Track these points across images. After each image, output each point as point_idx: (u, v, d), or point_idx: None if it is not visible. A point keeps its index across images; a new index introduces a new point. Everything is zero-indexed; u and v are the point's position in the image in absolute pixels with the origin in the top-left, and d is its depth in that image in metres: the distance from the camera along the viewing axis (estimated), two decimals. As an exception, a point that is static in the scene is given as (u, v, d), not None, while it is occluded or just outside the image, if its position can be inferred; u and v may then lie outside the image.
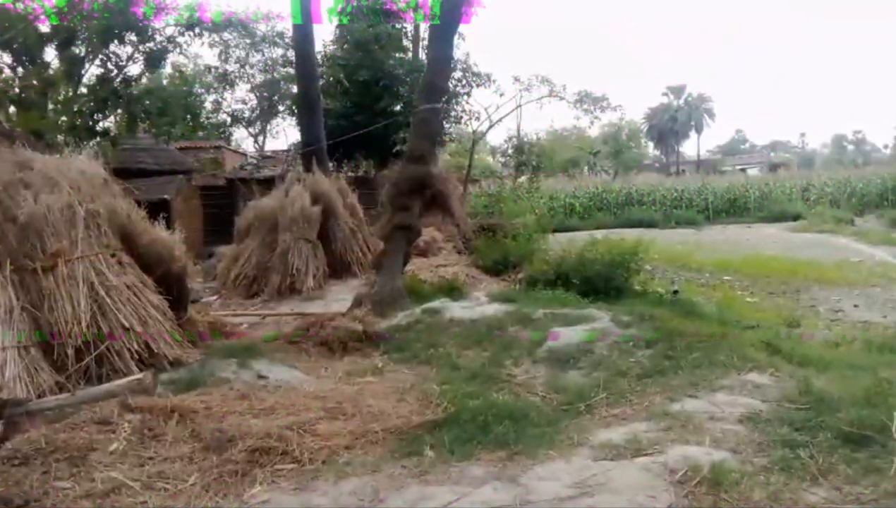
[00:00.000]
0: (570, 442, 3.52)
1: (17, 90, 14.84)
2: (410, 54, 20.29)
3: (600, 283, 7.96)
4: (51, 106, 15.27)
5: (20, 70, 15.47)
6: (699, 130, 60.13)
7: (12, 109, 14.78)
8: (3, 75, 15.32)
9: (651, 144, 63.46)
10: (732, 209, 28.34)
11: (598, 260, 8.30)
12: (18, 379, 4.14)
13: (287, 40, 17.78)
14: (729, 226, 24.89)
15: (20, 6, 14.68)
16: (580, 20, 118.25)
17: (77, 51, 15.00)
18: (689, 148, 61.43)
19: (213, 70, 20.21)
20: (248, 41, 18.76)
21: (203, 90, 20.86)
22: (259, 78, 20.77)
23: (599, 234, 10.23)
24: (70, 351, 4.54)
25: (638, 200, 28.31)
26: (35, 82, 14.48)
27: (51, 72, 15.02)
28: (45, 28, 14.78)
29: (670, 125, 57.82)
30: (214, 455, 3.30)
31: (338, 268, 11.11)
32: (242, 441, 3.37)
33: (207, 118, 18.94)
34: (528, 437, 3.55)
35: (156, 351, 4.82)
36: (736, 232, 22.36)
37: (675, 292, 8.54)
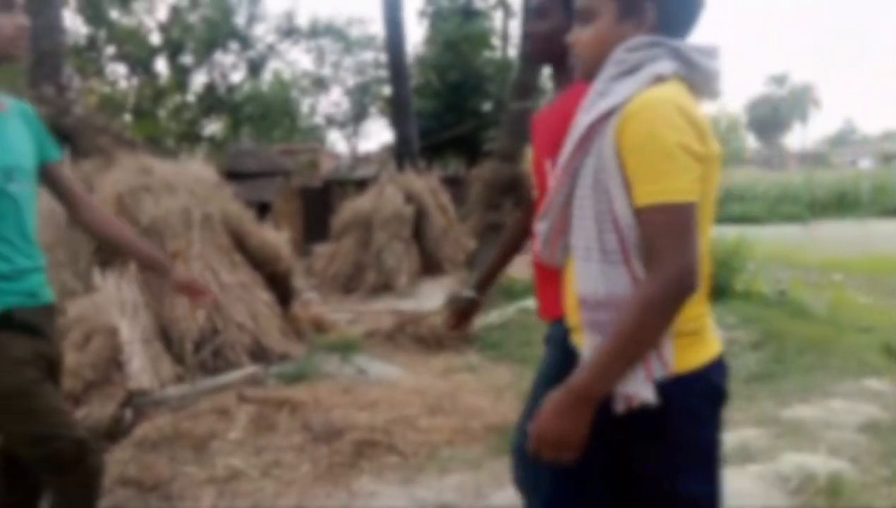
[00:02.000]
0: (674, 446, 3.44)
1: (132, 99, 15.97)
2: (499, 52, 20.31)
3: (700, 283, 7.69)
4: (162, 113, 16.32)
5: (134, 80, 16.64)
6: (804, 121, 57.00)
7: (128, 118, 15.92)
8: (119, 85, 16.51)
9: (751, 137, 60.58)
10: (842, 204, 26.53)
11: (698, 259, 8.02)
12: (144, 370, 4.46)
13: (379, 43, 18.19)
14: (838, 222, 23.41)
15: (134, 21, 15.79)
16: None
17: (184, 61, 15.96)
18: (793, 140, 58.32)
19: (309, 74, 20.96)
20: (341, 45, 19.32)
21: (300, 94, 21.66)
22: (352, 81, 21.37)
23: (697, 232, 9.88)
24: (188, 345, 4.85)
25: (738, 196, 26.96)
26: (148, 92, 15.53)
27: (162, 82, 16.07)
28: (155, 40, 15.83)
29: (772, 116, 54.99)
30: (324, 446, 3.45)
31: (429, 266, 11.28)
32: (349, 434, 3.51)
33: (304, 121, 19.65)
34: (630, 439, 3.49)
35: (265, 345, 5.07)
36: (846, 228, 21.01)
37: (782, 292, 8.12)
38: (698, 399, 1.34)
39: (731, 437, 3.53)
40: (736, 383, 4.42)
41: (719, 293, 7.62)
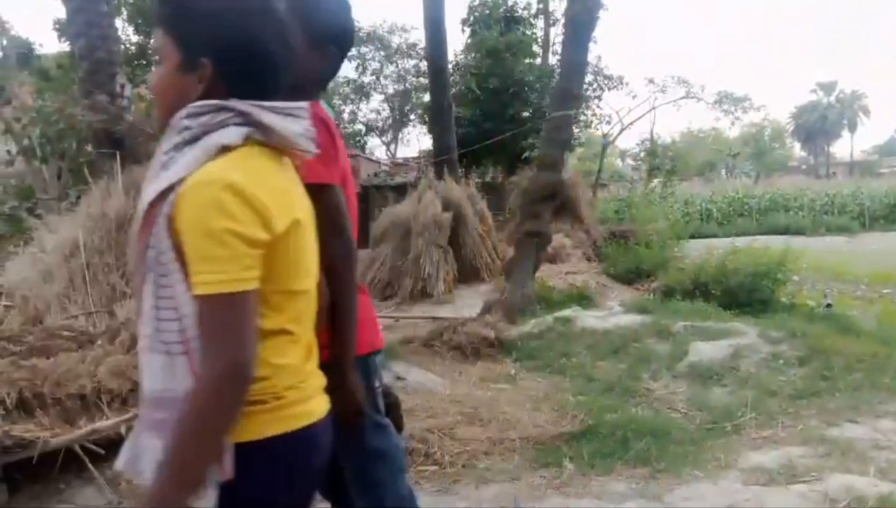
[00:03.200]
0: (716, 464, 3.38)
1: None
2: (539, 60, 20.26)
3: (743, 295, 7.54)
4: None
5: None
6: (852, 129, 55.42)
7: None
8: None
9: (797, 145, 59.17)
10: (892, 215, 25.69)
11: (741, 270, 7.87)
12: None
13: (420, 51, 18.30)
14: (889, 233, 22.66)
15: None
16: (720, 16, 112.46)
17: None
18: (841, 148, 56.79)
19: (350, 82, 21.20)
20: (382, 53, 19.50)
21: (341, 101, 21.92)
22: (392, 88, 21.53)
23: (740, 242, 9.70)
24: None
25: (783, 205, 26.28)
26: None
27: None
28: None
29: (819, 124, 53.62)
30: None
31: (467, 274, 11.28)
32: (387, 442, 3.52)
33: (345, 128, 19.88)
34: (670, 455, 3.44)
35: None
36: (896, 240, 20.35)
37: (829, 306, 7.90)
38: (264, 471, 1.22)
39: (775, 455, 3.46)
40: (781, 400, 4.33)
41: (762, 306, 7.47)
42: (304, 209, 1.28)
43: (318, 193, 1.49)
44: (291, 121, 1.24)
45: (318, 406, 1.32)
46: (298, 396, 1.26)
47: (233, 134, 1.17)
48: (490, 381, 5.25)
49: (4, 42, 20.33)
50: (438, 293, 10.19)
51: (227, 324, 1.10)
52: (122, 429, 3.29)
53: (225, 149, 1.16)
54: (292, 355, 1.26)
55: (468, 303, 9.26)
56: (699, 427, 3.97)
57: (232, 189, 1.10)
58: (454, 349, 6.23)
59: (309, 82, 1.68)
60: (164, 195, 1.15)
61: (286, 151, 1.26)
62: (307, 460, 1.28)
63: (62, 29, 12.73)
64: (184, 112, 1.19)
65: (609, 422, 3.86)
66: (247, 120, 1.19)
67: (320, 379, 1.36)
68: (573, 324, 6.52)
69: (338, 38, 1.75)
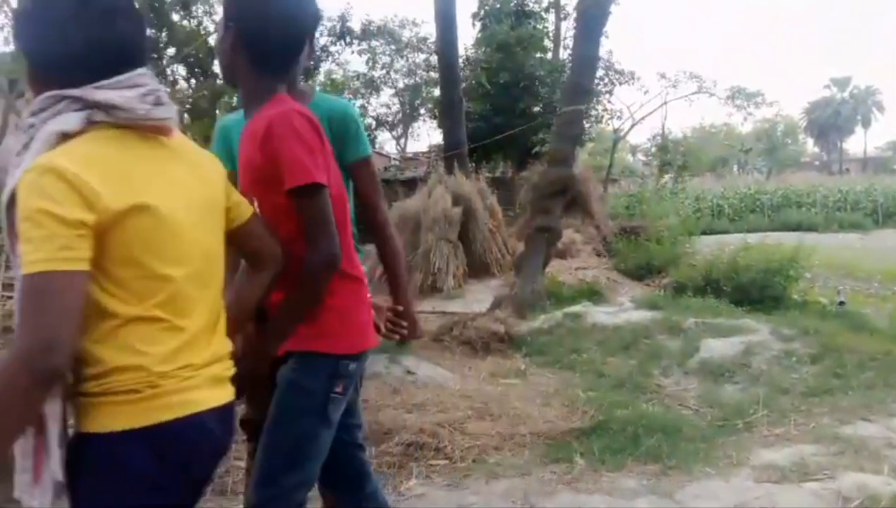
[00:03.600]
0: (728, 461, 3.36)
1: (190, 99, 16.42)
2: (550, 54, 20.16)
3: (755, 292, 7.50)
4: (218, 113, 16.71)
5: (192, 81, 17.10)
6: (866, 125, 54.93)
7: (186, 117, 16.38)
8: (178, 86, 17.00)
9: (810, 141, 58.67)
10: (906, 211, 25.47)
11: (753, 267, 7.82)
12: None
13: (430, 45, 18.26)
14: (902, 230, 22.45)
15: (194, 23, 16.23)
16: (733, 10, 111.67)
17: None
18: (855, 144, 56.27)
19: (360, 76, 21.20)
20: (393, 47, 19.46)
21: (351, 96, 21.93)
22: (402, 83, 21.49)
23: (752, 238, 9.63)
24: (242, 341, 4.96)
25: (795, 202, 26.05)
26: (206, 92, 15.94)
27: (218, 82, 16.46)
28: (213, 42, 16.22)
29: (833, 120, 53.13)
30: (373, 447, 3.48)
31: (477, 268, 11.27)
32: (398, 435, 3.54)
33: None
34: (681, 452, 3.43)
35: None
36: (911, 237, 20.14)
37: (841, 303, 7.85)
38: (136, 462, 1.20)
39: (787, 453, 3.44)
40: (793, 398, 4.30)
41: (774, 302, 7.43)
42: (166, 195, 1.25)
43: (299, 197, 1.51)
44: (131, 91, 1.23)
45: (204, 396, 1.28)
46: (177, 386, 1.23)
47: (71, 120, 1.18)
48: (500, 376, 5.25)
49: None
50: (448, 288, 10.18)
51: (38, 304, 1.08)
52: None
53: (66, 137, 1.18)
54: (166, 343, 1.23)
55: (478, 298, 9.25)
56: (710, 425, 3.95)
57: (53, 172, 1.11)
58: (464, 344, 6.23)
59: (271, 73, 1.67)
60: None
61: (149, 129, 1.26)
62: (185, 451, 1.25)
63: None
64: (28, 111, 1.22)
65: (620, 418, 3.85)
66: (84, 103, 1.20)
67: (216, 370, 1.33)
68: (583, 320, 6.50)
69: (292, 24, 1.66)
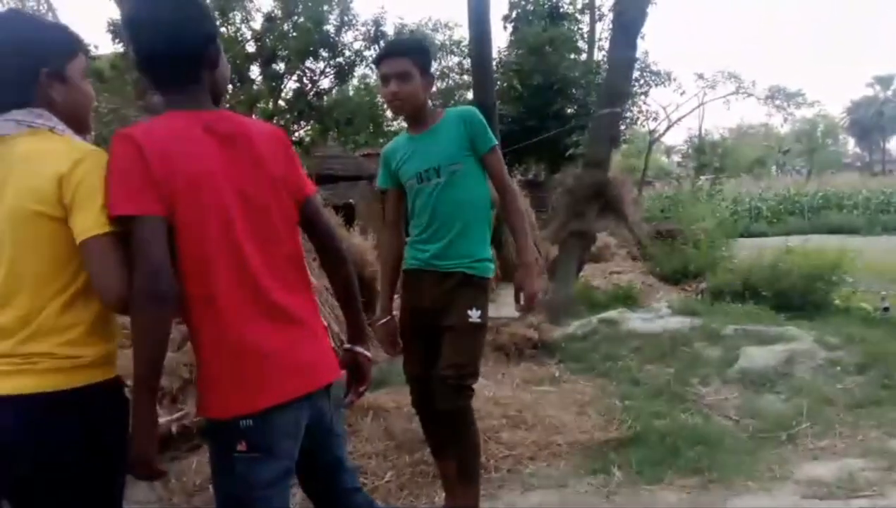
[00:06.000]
0: (771, 475, 3.26)
1: (227, 105, 16.68)
2: (585, 56, 19.98)
3: (797, 298, 7.31)
4: (255, 118, 16.94)
5: (230, 87, 17.36)
6: (911, 124, 53.25)
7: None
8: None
9: (852, 141, 57.18)
10: (953, 213, 24.59)
11: (795, 272, 7.62)
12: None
13: (463, 48, 18.25)
14: (949, 232, 21.69)
15: (231, 29, 16.48)
16: (774, 8, 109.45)
17: (277, 68, 16.53)
18: (899, 144, 54.55)
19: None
20: (426, 50, 19.48)
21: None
22: (436, 86, 21.51)
23: (792, 241, 9.40)
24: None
25: (836, 203, 25.41)
26: (242, 98, 16.18)
27: (255, 88, 16.70)
28: (251, 48, 16.46)
29: (875, 119, 51.69)
30: (406, 455, 3.47)
31: (508, 272, 11.16)
32: (432, 444, 3.51)
33: (388, 126, 19.97)
34: (722, 465, 3.34)
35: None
36: (960, 240, 19.43)
37: (886, 309, 7.60)
38: None
39: (833, 467, 3.33)
40: (838, 409, 4.17)
41: (815, 309, 7.22)
42: None
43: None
44: None
45: None
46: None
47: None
48: (533, 383, 5.19)
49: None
50: (481, 292, 10.13)
51: None
52: (173, 428, 3.35)
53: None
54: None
55: (510, 303, 9.13)
56: (752, 436, 3.84)
57: None
58: (496, 350, 6.18)
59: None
60: None
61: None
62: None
63: (117, 30, 13.08)
64: None
65: (658, 429, 3.77)
66: None
67: None
68: (619, 326, 6.41)
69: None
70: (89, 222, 1.41)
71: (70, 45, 1.59)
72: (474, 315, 2.60)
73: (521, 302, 2.74)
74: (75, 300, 1.46)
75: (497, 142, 2.71)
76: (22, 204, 1.42)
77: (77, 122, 1.58)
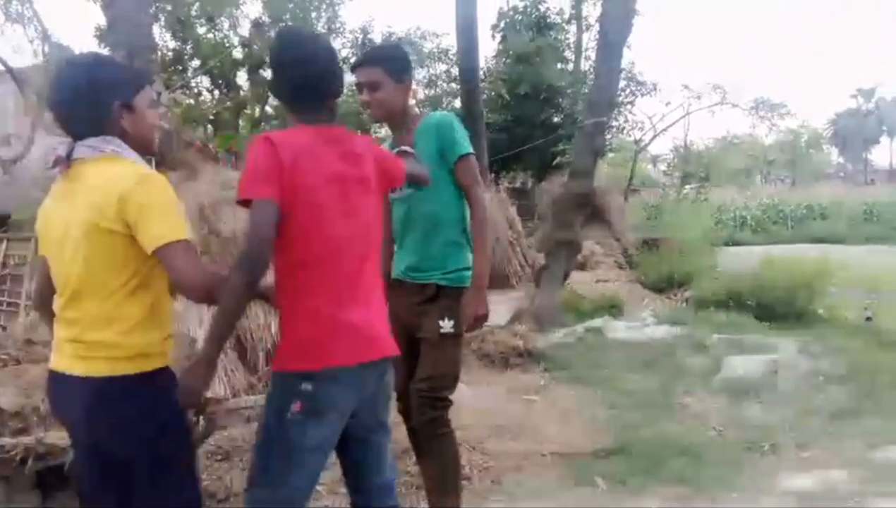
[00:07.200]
0: (754, 486, 3.28)
1: (213, 112, 16.61)
2: (571, 65, 20.07)
3: (780, 307, 7.37)
4: (241, 125, 16.88)
5: (216, 93, 17.30)
6: (892, 135, 53.99)
7: (210, 129, 16.57)
8: (202, 98, 17.19)
9: (835, 152, 57.85)
10: (935, 224, 24.85)
11: (778, 281, 7.68)
12: (218, 379, 4.59)
13: (451, 56, 18.30)
14: (931, 243, 21.90)
15: (218, 35, 16.44)
16: (759, 21, 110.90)
17: (265, 74, 16.48)
18: (881, 155, 55.29)
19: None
20: (415, 58, 19.52)
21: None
22: (423, 93, 21.53)
23: (777, 251, 9.48)
24: (261, 355, 4.96)
25: (820, 213, 25.65)
26: (229, 104, 16.13)
27: (242, 93, 16.65)
28: (238, 54, 16.42)
29: (858, 130, 52.34)
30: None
31: (496, 280, 11.19)
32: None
33: (375, 133, 19.94)
34: (705, 476, 3.35)
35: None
36: (941, 250, 19.65)
37: (868, 319, 7.68)
38: None
39: (815, 478, 3.35)
40: (821, 419, 4.19)
41: (798, 318, 7.28)
42: (51, 228, 1.77)
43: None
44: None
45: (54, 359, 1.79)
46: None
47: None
48: (519, 392, 5.18)
49: (46, 49, 20.81)
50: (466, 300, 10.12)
51: None
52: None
53: None
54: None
55: (497, 311, 9.16)
56: (735, 447, 3.86)
57: None
58: (482, 358, 6.16)
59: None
60: None
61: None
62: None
63: (103, 36, 13.00)
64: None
65: (642, 439, 3.78)
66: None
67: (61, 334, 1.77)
68: (604, 335, 6.43)
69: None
70: (165, 230, 1.65)
71: (137, 79, 1.87)
72: (447, 325, 2.58)
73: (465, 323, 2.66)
74: (130, 297, 1.72)
75: (471, 151, 2.62)
76: (90, 217, 1.68)
77: (144, 145, 1.87)
